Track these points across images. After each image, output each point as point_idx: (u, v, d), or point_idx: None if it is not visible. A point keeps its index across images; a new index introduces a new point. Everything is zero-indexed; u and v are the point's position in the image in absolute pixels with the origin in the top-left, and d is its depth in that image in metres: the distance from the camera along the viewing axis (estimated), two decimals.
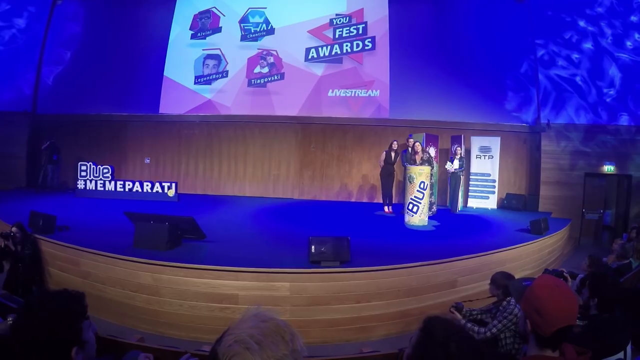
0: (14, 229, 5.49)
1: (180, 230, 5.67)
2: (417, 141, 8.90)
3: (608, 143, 10.06)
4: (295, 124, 11.25)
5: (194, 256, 5.12)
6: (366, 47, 11.49)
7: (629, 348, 2.24)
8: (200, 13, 12.41)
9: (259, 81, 11.78)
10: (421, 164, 8.09)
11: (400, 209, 8.48)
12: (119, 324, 4.80)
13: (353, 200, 10.99)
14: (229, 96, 11.81)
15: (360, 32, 11.55)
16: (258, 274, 4.60)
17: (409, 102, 10.78)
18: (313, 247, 4.81)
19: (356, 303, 4.74)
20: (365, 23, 11.56)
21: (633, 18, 9.96)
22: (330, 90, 11.34)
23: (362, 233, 6.56)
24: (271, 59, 11.78)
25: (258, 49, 11.90)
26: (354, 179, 11.12)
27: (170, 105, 12.04)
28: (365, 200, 10.90)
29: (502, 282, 3.58)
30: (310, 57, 11.62)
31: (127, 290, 5.00)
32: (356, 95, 11.28)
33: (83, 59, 12.97)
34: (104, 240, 5.74)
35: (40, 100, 13.46)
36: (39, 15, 13.50)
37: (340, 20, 11.66)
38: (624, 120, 10.07)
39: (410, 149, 8.55)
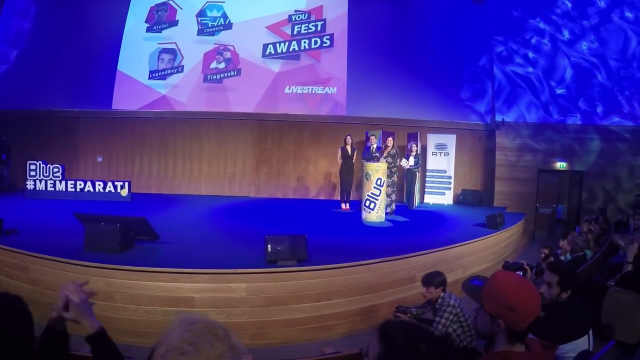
0: None
1: (132, 232, 5.45)
2: (389, 136, 9.03)
3: (560, 140, 10.41)
4: (251, 120, 11.09)
5: (148, 259, 4.94)
6: (324, 44, 11.46)
7: (590, 333, 2.35)
8: (157, 5, 12.04)
9: (215, 77, 11.61)
10: (386, 159, 8.13)
11: (358, 205, 8.44)
12: (71, 332, 4.58)
13: (310, 197, 10.91)
14: (184, 92, 11.55)
15: (319, 29, 11.50)
16: (214, 275, 4.48)
17: (366, 99, 10.79)
18: (269, 246, 4.72)
19: (315, 302, 4.70)
20: (324, 20, 11.50)
21: (587, 23, 10.41)
22: (287, 87, 11.30)
23: (320, 230, 6.53)
24: (228, 55, 11.59)
25: (215, 44, 11.69)
26: (310, 176, 11.06)
27: (123, 101, 11.63)
28: (322, 197, 10.85)
29: (438, 280, 3.75)
30: (267, 53, 11.52)
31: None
32: (313, 92, 11.28)
33: (34, 51, 12.25)
34: (54, 243, 5.47)
35: None
36: None
37: (299, 17, 11.57)
38: (576, 119, 10.51)
39: (372, 146, 8.58)
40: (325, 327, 4.74)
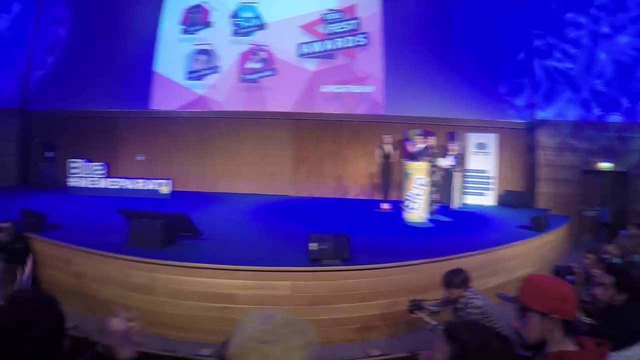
0: (6, 224, 5.28)
1: (174, 228, 5.51)
2: (430, 135, 8.92)
3: (601, 139, 9.97)
4: (289, 119, 11.07)
5: (190, 254, 4.98)
6: (359, 43, 11.28)
7: None
8: (191, 7, 12.11)
9: (251, 77, 11.58)
10: (427, 158, 7.93)
11: (399, 205, 8.36)
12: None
13: (350, 197, 10.77)
14: (221, 92, 11.61)
15: (354, 27, 11.35)
16: (257, 272, 4.45)
17: (404, 98, 10.59)
18: (313, 244, 4.65)
19: (359, 302, 4.60)
20: (358, 19, 11.34)
21: (627, 15, 9.89)
22: (324, 86, 11.17)
23: (361, 230, 6.39)
24: (263, 55, 11.55)
25: (250, 44, 11.66)
26: (350, 176, 10.90)
27: (162, 101, 11.84)
28: (362, 197, 10.66)
29: (458, 280, 3.56)
30: (302, 52, 11.43)
31: (122, 289, 4.89)
32: (350, 91, 11.12)
33: (73, 55, 12.67)
34: (97, 238, 5.63)
35: (31, 98, 13.11)
36: (26, 11, 13.13)
37: (332, 16, 11.44)
38: (618, 117, 10.02)
39: (416, 145, 8.33)
40: (368, 329, 4.66)
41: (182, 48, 11.99)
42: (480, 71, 10.51)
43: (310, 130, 11.01)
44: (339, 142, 10.90)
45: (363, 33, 11.26)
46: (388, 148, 8.83)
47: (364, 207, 9.26)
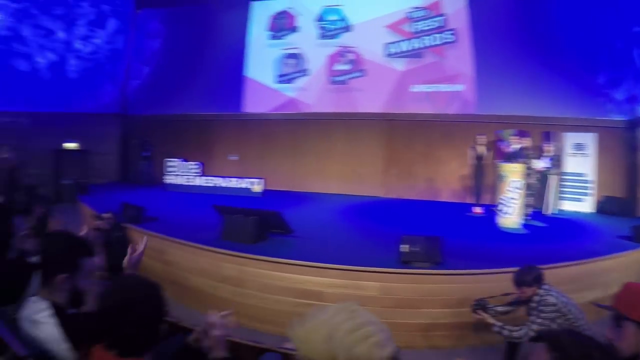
0: (107, 215, 5.80)
1: (267, 225, 5.76)
2: (525, 135, 8.55)
3: None
4: (379, 120, 11.17)
5: (280, 251, 5.11)
6: (447, 40, 11.09)
7: None
8: (277, 14, 12.74)
9: (340, 78, 11.87)
10: (522, 160, 7.56)
11: (492, 209, 8.02)
12: (202, 312, 4.82)
13: (441, 199, 10.56)
14: (311, 94, 12.03)
15: (441, 24, 11.16)
16: (345, 271, 4.42)
17: (496, 96, 10.26)
18: (404, 246, 4.52)
19: (448, 308, 4.38)
20: (444, 15, 11.17)
21: None
22: (413, 86, 11.13)
23: (452, 234, 6.11)
24: (351, 56, 11.80)
25: (337, 46, 11.95)
26: (441, 178, 10.71)
27: (253, 104, 12.54)
28: (454, 200, 10.40)
29: (530, 278, 3.39)
30: (390, 52, 11.48)
31: (212, 280, 5.15)
32: (440, 90, 10.98)
33: (167, 65, 13.89)
34: (190, 231, 5.99)
35: (131, 103, 14.53)
36: (122, 27, 14.67)
37: (417, 14, 11.37)
38: None
39: (511, 145, 7.90)
40: (455, 336, 4.47)
41: (271, 53, 12.59)
42: (575, 63, 9.88)
43: (401, 131, 11.02)
44: (430, 143, 10.79)
45: (450, 30, 11.03)
46: (481, 149, 8.47)
47: (456, 211, 8.99)
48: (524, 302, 3.49)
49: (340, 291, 4.43)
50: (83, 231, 2.69)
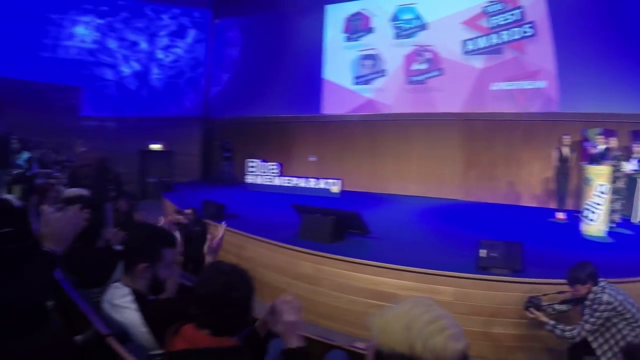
0: (188, 210, 6.23)
1: (344, 225, 5.88)
2: (612, 135, 8.00)
3: None
4: (458, 120, 11.06)
5: (356, 251, 5.22)
6: (526, 34, 10.70)
7: None
8: (351, 16, 13.04)
9: (417, 78, 11.95)
10: (609, 162, 7.05)
11: (575, 215, 7.59)
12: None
13: (522, 204, 10.21)
14: (389, 95, 12.22)
15: (518, 17, 10.77)
16: (421, 274, 4.42)
17: (581, 92, 9.74)
18: (483, 251, 4.39)
19: (523, 319, 4.14)
20: (522, 7, 10.80)
21: None
22: (493, 84, 10.91)
23: (532, 240, 5.84)
24: (428, 55, 11.86)
25: (413, 45, 12.02)
26: (523, 181, 10.34)
27: (332, 106, 12.96)
28: (535, 204, 10.04)
29: (584, 275, 3.24)
30: (467, 49, 11.36)
31: (288, 277, 5.34)
32: (521, 87, 10.62)
33: (247, 68, 14.61)
34: (269, 229, 6.28)
35: (212, 106, 15.45)
36: (201, 37, 15.68)
37: (493, 8, 11.09)
38: None
39: (598, 146, 7.41)
40: (529, 348, 4.25)
41: (348, 55, 12.94)
42: None
43: (481, 131, 10.83)
44: (511, 144, 10.46)
45: (529, 23, 10.62)
46: (566, 150, 7.91)
47: (537, 216, 8.68)
48: (580, 300, 3.38)
49: (415, 294, 4.41)
50: (160, 223, 2.90)
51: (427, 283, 4.42)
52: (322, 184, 11.00)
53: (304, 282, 5.17)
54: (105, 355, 1.63)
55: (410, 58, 11.94)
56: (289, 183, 11.47)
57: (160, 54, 15.73)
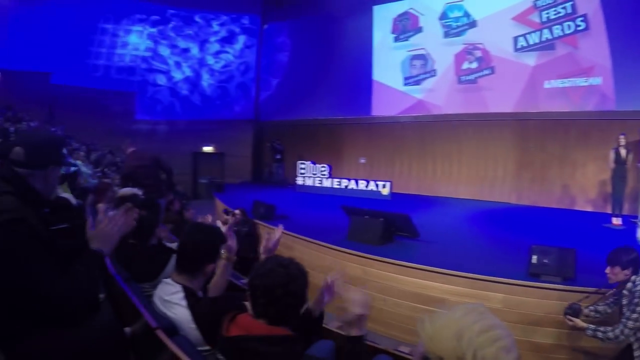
0: (237, 211, 6.46)
1: (394, 227, 5.91)
2: None
3: None
4: (510, 120, 10.92)
5: (405, 254, 5.23)
6: (579, 28, 10.36)
7: None
8: (399, 16, 13.18)
9: (468, 77, 11.92)
10: None
11: (633, 220, 7.27)
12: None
13: (576, 208, 9.92)
14: (440, 95, 12.28)
15: (569, 11, 10.41)
16: (471, 280, 4.38)
17: (638, 88, 9.41)
18: (535, 257, 4.29)
19: (575, 330, 4.00)
20: (573, 0, 10.43)
21: None
22: (547, 82, 10.62)
23: (586, 247, 5.66)
24: (478, 53, 11.78)
25: (463, 44, 12.00)
26: (577, 183, 10.06)
27: (382, 107, 13.15)
28: (590, 209, 9.76)
29: (626, 259, 3.07)
30: (519, 46, 11.13)
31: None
32: (575, 84, 10.27)
33: (296, 71, 14.96)
34: (318, 231, 6.39)
35: (263, 109, 15.87)
36: (251, 43, 16.17)
37: (544, 1, 10.77)
38: None
39: None
40: None
41: (397, 55, 13.08)
42: None
43: (534, 131, 10.58)
44: (566, 145, 10.16)
45: (581, 16, 10.27)
46: (623, 151, 7.56)
47: (591, 221, 8.41)
48: (619, 297, 3.18)
49: (463, 300, 4.41)
50: (207, 221, 3.01)
51: (475, 289, 4.39)
52: (371, 186, 11.09)
53: (350, 284, 5.21)
54: (153, 347, 1.71)
55: (460, 57, 11.94)
56: (338, 185, 11.74)
57: (211, 60, 16.44)
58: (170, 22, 16.47)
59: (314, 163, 12.26)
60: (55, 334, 1.50)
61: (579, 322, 3.37)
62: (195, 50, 16.63)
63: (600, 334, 3.15)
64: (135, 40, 16.32)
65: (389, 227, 5.76)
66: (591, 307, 3.48)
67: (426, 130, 12.15)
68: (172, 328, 1.83)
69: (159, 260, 2.57)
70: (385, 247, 5.52)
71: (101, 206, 1.73)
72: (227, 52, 16.60)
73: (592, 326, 3.24)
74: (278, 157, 13.57)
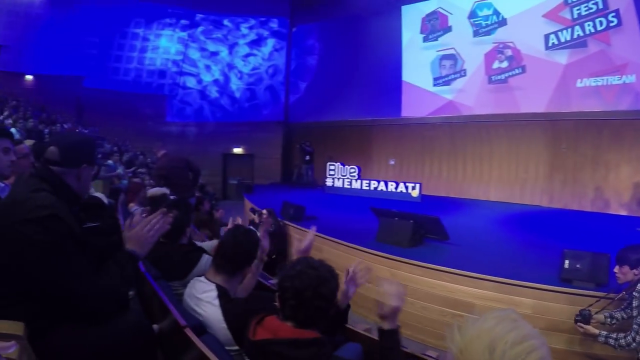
0: (264, 211, 6.59)
1: (423, 229, 5.86)
2: None
3: None
4: (542, 121, 10.76)
5: (434, 256, 5.17)
6: (611, 24, 10.12)
7: None
8: (427, 15, 13.18)
9: (499, 77, 11.83)
10: None
11: None
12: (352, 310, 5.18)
13: (610, 211, 9.68)
14: (470, 95, 12.23)
15: (601, 6, 10.20)
16: (500, 284, 4.32)
17: None
18: (567, 261, 4.21)
19: None
20: None
21: None
22: (579, 80, 10.43)
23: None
24: (509, 52, 11.68)
25: (493, 42, 11.93)
26: (610, 186, 9.84)
27: (412, 108, 13.15)
28: (624, 212, 9.51)
29: (636, 257, 2.99)
30: (550, 44, 10.96)
31: None
32: (608, 83, 10.05)
33: (325, 73, 15.03)
34: (346, 232, 6.37)
35: (292, 111, 16.02)
36: (280, 46, 16.38)
37: None
38: None
39: None
40: None
41: (426, 55, 13.09)
42: None
43: (566, 131, 10.41)
44: (599, 146, 9.96)
45: (613, 11, 10.05)
46: None
47: (625, 225, 8.17)
48: (630, 299, 3.07)
49: (492, 305, 4.35)
50: (237, 222, 3.05)
51: (505, 293, 4.33)
52: (401, 188, 11.05)
53: (378, 285, 5.22)
54: (181, 345, 1.72)
55: (490, 56, 11.85)
56: (367, 186, 11.75)
57: (240, 63, 16.74)
58: (200, 26, 16.89)
59: (343, 164, 12.32)
60: (84, 330, 1.54)
61: (590, 328, 3.25)
62: (224, 54, 16.98)
63: (612, 341, 3.05)
64: (166, 44, 16.82)
65: (419, 229, 5.71)
66: (606, 314, 3.35)
67: (456, 131, 12.10)
68: (200, 327, 1.84)
69: (190, 259, 2.61)
70: (414, 249, 5.46)
71: (137, 209, 1.79)
72: (256, 54, 16.90)
73: (604, 332, 3.13)
74: (307, 158, 13.69)
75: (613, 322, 3.32)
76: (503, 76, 11.61)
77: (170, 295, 2.11)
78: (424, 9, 13.08)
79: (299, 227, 6.80)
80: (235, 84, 16.86)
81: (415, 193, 10.78)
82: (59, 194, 1.59)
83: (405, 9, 13.44)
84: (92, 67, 16.00)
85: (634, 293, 2.97)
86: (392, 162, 13.24)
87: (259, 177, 15.86)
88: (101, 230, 2.04)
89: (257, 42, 16.82)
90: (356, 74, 14.13)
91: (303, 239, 2.51)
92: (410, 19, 13.33)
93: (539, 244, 6.30)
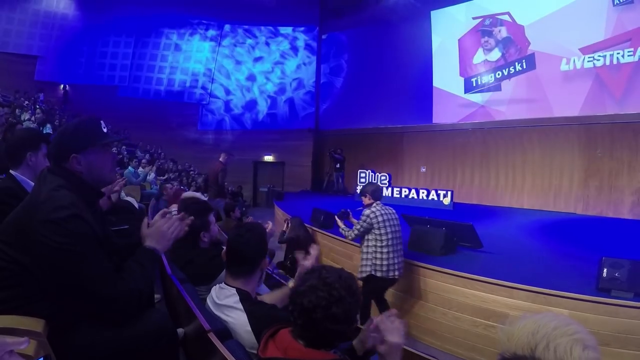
0: (292, 218, 6.84)
1: (456, 237, 5.82)
2: None
3: None
4: (576, 125, 10.53)
5: (467, 265, 5.09)
6: None
7: None
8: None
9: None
10: None
11: None
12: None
13: None
14: (503, 101, 12.12)
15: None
16: (535, 294, 4.25)
17: None
18: (605, 270, 4.09)
19: None
20: None
21: None
22: (612, 81, 10.09)
23: None
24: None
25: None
26: None
27: (443, 115, 13.19)
28: None
29: None
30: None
31: (394, 289, 5.27)
32: None
33: (356, 79, 15.25)
34: None
35: (323, 119, 16.16)
36: (312, 49, 16.66)
37: None
38: None
39: None
40: None
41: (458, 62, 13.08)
42: None
43: (602, 136, 10.14)
44: (636, 149, 9.67)
45: None
46: None
47: None
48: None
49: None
50: (268, 227, 3.03)
51: (540, 304, 4.24)
52: (433, 196, 10.99)
53: (410, 295, 5.19)
54: (204, 349, 1.70)
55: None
56: (398, 194, 11.77)
57: (271, 71, 16.99)
58: (231, 36, 17.36)
59: (374, 172, 12.44)
60: (106, 329, 1.54)
61: (340, 223, 4.83)
62: (255, 62, 17.46)
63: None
64: (196, 54, 17.50)
65: (451, 237, 5.65)
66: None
67: (489, 137, 12.10)
68: (225, 331, 1.81)
69: (216, 263, 2.54)
70: (446, 257, 5.36)
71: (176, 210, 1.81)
72: (286, 63, 17.44)
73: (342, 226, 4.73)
74: (338, 166, 13.79)
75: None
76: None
77: (196, 299, 2.09)
78: (453, 13, 13.02)
79: (329, 234, 6.93)
80: (266, 93, 17.44)
81: (447, 201, 10.72)
82: (76, 189, 1.58)
83: (435, 14, 13.54)
84: (125, 77, 16.77)
85: None
86: (423, 170, 13.31)
87: (289, 184, 16.19)
88: (130, 232, 2.09)
89: (287, 52, 17.34)
90: (386, 80, 14.30)
91: (307, 257, 2.24)
92: (440, 24, 13.37)
93: (575, 252, 6.20)
